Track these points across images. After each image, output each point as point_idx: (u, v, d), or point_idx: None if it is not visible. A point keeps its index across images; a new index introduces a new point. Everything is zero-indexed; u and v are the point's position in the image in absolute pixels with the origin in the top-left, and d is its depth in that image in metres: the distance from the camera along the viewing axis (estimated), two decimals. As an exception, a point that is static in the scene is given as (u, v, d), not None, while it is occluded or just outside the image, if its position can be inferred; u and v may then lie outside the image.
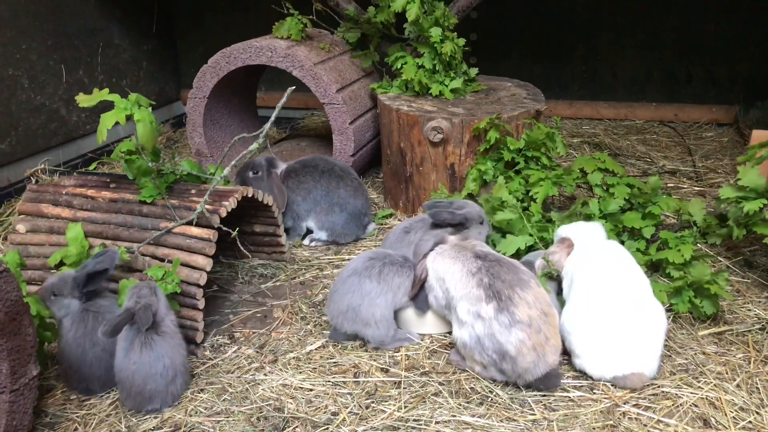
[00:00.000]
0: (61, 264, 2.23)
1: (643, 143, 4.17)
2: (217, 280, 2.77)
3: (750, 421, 1.84)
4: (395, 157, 3.21)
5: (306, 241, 3.06)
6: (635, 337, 2.01)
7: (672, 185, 3.55)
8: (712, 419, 1.87)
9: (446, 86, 3.26)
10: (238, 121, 3.88)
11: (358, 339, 2.27)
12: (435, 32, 3.17)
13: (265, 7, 3.74)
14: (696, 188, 3.51)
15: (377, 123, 3.57)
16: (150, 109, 2.25)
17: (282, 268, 2.85)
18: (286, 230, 3.02)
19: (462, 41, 3.28)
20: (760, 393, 1.95)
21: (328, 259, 2.92)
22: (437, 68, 3.26)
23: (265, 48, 3.29)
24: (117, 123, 2.16)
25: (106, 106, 2.26)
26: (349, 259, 2.88)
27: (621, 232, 2.75)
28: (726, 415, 1.87)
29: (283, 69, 3.30)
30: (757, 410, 1.88)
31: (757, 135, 3.32)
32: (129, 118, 2.17)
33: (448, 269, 2.09)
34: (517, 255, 2.56)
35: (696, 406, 1.92)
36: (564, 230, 2.35)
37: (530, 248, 2.60)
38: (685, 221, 2.90)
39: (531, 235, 2.61)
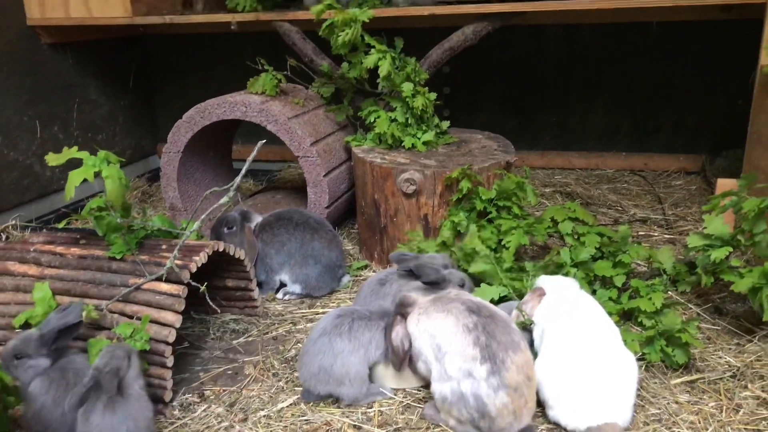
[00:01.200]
0: (26, 325, 2.19)
1: (614, 192, 4.24)
2: (188, 337, 2.73)
3: (724, 472, 1.83)
4: (369, 208, 3.23)
5: (279, 295, 3.04)
6: (608, 387, 2.00)
7: (643, 233, 3.60)
8: (687, 471, 1.85)
9: (418, 139, 3.32)
10: (213, 175, 3.89)
11: (332, 398, 2.24)
12: (406, 87, 3.24)
13: (242, 63, 3.81)
14: (666, 236, 3.56)
15: (352, 175, 3.60)
16: (119, 165, 2.25)
17: (254, 323, 2.82)
18: (260, 284, 3.00)
19: (433, 95, 3.35)
20: (732, 443, 1.94)
21: (302, 313, 2.90)
22: (409, 122, 3.32)
23: (239, 103, 3.33)
24: (86, 180, 2.15)
25: (78, 162, 2.27)
26: (323, 313, 2.87)
27: (593, 281, 2.77)
28: (700, 466, 1.86)
29: (258, 123, 3.33)
30: (731, 460, 1.87)
31: (722, 183, 3.39)
32: (98, 174, 2.17)
33: (440, 324, 2.06)
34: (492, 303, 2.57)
35: (670, 457, 1.91)
36: (541, 281, 2.37)
37: (503, 298, 2.60)
38: (655, 269, 2.95)
39: (504, 285, 2.62)
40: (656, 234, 3.59)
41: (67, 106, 4.48)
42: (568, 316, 2.14)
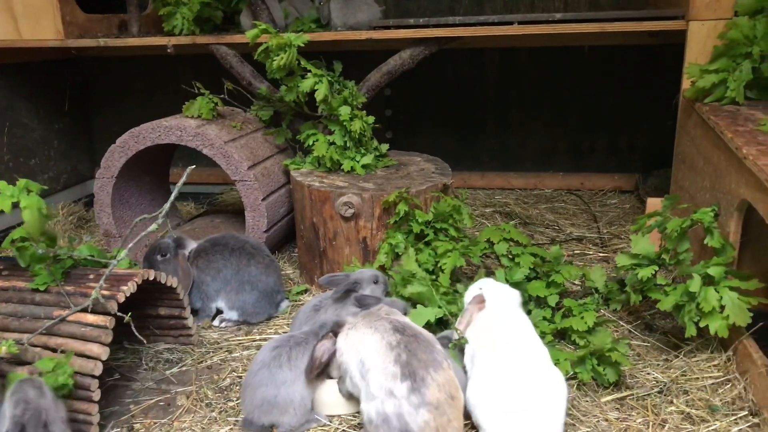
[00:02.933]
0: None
1: (552, 211, 4.33)
2: (119, 368, 2.65)
3: (649, 489, 1.87)
4: (308, 232, 3.22)
5: (216, 322, 2.98)
6: (538, 409, 2.02)
7: (578, 252, 3.68)
8: (614, 488, 1.88)
9: (357, 162, 3.33)
10: (150, 200, 3.81)
11: (272, 427, 2.20)
12: (344, 111, 3.25)
13: (180, 86, 3.76)
14: (601, 254, 3.65)
15: (292, 198, 3.58)
16: (38, 194, 2.18)
17: (189, 351, 2.76)
18: (196, 311, 2.95)
19: (371, 119, 3.38)
20: (658, 459, 1.99)
21: (238, 340, 2.85)
22: (348, 145, 3.33)
23: (174, 127, 3.28)
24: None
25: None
26: (261, 340, 2.83)
27: (527, 301, 2.82)
28: (627, 483, 1.90)
29: (194, 148, 3.29)
30: (656, 477, 1.92)
31: (652, 203, 3.51)
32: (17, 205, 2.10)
33: (365, 339, 2.06)
34: (428, 327, 2.58)
35: (599, 476, 1.94)
36: (480, 283, 2.40)
37: (439, 320, 2.62)
38: (588, 288, 3.02)
39: (440, 306, 2.64)
40: (591, 252, 3.68)
41: (-3, 130, 4.34)
42: (495, 338, 2.16)
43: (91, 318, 2.19)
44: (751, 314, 2.28)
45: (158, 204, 3.90)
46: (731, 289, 2.31)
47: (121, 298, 2.24)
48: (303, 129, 3.48)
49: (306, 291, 3.28)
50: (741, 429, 2.08)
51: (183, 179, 2.32)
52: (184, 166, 4.87)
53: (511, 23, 3.44)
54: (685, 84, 3.15)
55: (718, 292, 2.31)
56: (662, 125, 4.43)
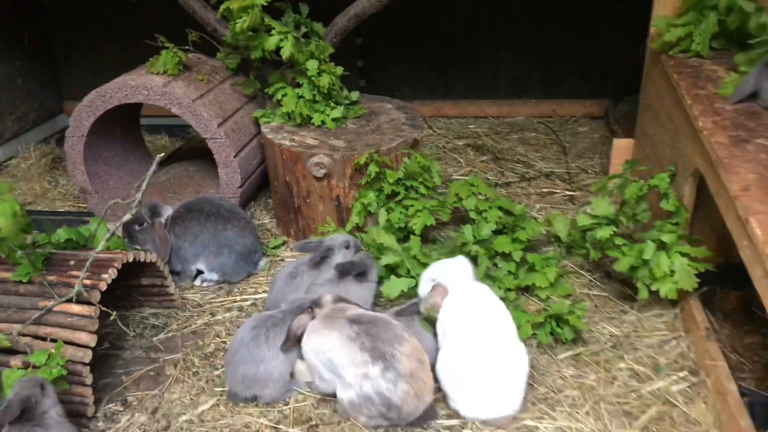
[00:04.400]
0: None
1: (523, 143, 4.40)
2: (108, 336, 2.79)
3: (595, 449, 2.11)
4: (282, 188, 3.28)
5: (197, 282, 3.11)
6: (503, 382, 2.21)
7: (547, 190, 3.80)
8: (565, 450, 2.12)
9: (328, 116, 3.33)
10: (122, 152, 3.82)
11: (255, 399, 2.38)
12: (311, 65, 3.22)
13: (144, 13, 3.64)
14: (568, 192, 3.77)
15: (263, 148, 3.60)
16: (12, 194, 2.21)
17: (174, 316, 2.90)
18: (176, 273, 3.06)
19: (340, 70, 3.34)
20: (604, 419, 2.21)
21: (220, 301, 2.99)
22: (317, 98, 3.32)
23: (141, 86, 3.24)
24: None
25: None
26: (242, 300, 2.98)
27: (494, 256, 2.96)
28: (576, 444, 2.13)
29: (162, 107, 3.27)
30: (601, 437, 2.15)
31: (618, 144, 3.60)
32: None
33: (326, 341, 2.21)
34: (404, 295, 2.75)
35: (552, 437, 2.16)
36: (432, 273, 2.51)
37: (412, 288, 2.75)
38: (553, 236, 3.16)
39: (413, 277, 2.77)
40: (559, 190, 3.80)
41: (-43, 76, 4.24)
42: (463, 314, 2.31)
43: (76, 308, 2.30)
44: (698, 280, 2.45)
45: (132, 155, 3.92)
46: (682, 254, 2.45)
47: (103, 287, 2.34)
48: (272, 80, 3.44)
49: (284, 243, 3.40)
50: (680, 388, 2.30)
51: (152, 169, 2.35)
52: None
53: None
54: (653, 35, 3.13)
55: (669, 258, 2.45)
56: (631, 50, 4.42)
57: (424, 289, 2.48)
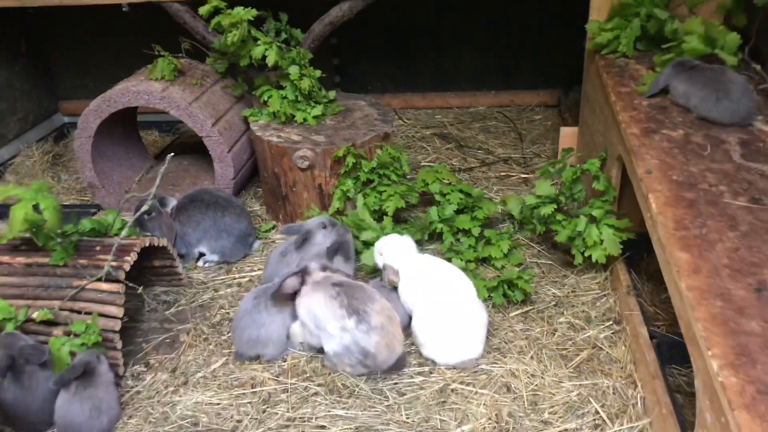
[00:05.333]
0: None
1: (484, 131, 4.89)
2: (127, 311, 3.22)
3: (536, 384, 2.62)
4: (271, 179, 3.73)
5: (200, 263, 3.56)
6: (467, 331, 2.71)
7: (504, 173, 4.30)
8: (512, 385, 2.62)
9: (309, 114, 3.78)
10: (124, 149, 4.23)
11: (258, 357, 2.86)
12: (293, 70, 3.66)
13: (135, 21, 4.03)
14: (523, 175, 4.27)
15: (252, 143, 4.04)
16: (51, 192, 2.64)
17: (182, 293, 3.35)
18: (182, 256, 3.51)
19: (318, 73, 3.79)
20: (545, 362, 2.72)
21: (221, 279, 3.45)
22: (299, 99, 3.76)
23: (142, 92, 3.65)
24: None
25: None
26: (240, 278, 3.44)
27: (456, 232, 3.46)
28: (521, 381, 2.63)
29: (161, 109, 3.69)
30: (542, 375, 2.65)
31: (565, 132, 4.10)
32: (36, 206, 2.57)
33: (314, 301, 2.69)
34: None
35: (503, 377, 2.67)
36: (381, 247, 3.01)
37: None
38: (507, 214, 3.67)
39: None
40: (514, 174, 4.30)
41: (-38, 82, 4.58)
42: (428, 280, 2.81)
43: (105, 286, 2.74)
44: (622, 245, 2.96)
45: (132, 151, 4.33)
46: (609, 226, 2.96)
47: (127, 267, 2.79)
48: (257, 84, 3.87)
49: (273, 227, 3.85)
50: (606, 335, 2.83)
51: (163, 168, 2.78)
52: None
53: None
54: (589, 36, 3.62)
55: (598, 230, 2.97)
56: (580, 46, 4.91)
57: (376, 258, 3.03)
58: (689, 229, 2.17)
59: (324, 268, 2.80)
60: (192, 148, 4.67)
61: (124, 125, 4.22)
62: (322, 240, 3.20)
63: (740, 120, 2.74)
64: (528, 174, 4.28)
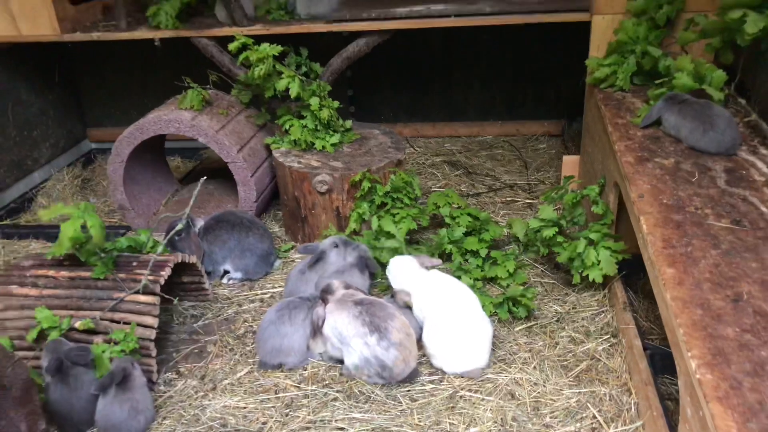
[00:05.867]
0: (39, 338, 2.88)
1: (491, 158, 5.15)
2: (158, 323, 3.47)
3: (538, 392, 2.83)
4: (291, 202, 3.99)
5: (224, 280, 3.81)
6: (474, 343, 2.94)
7: (510, 199, 4.55)
8: (516, 393, 2.84)
9: (327, 141, 4.05)
10: (151, 174, 4.51)
11: (280, 366, 3.08)
12: (314, 102, 3.94)
13: (160, 52, 4.35)
14: (528, 200, 4.52)
15: (273, 169, 4.31)
16: (95, 211, 2.90)
17: (208, 307, 3.59)
18: (208, 273, 3.76)
19: (336, 104, 4.07)
20: (546, 372, 2.94)
21: (245, 295, 3.69)
22: (318, 128, 4.04)
23: (173, 120, 3.95)
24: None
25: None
26: (262, 294, 3.68)
27: (465, 253, 3.70)
28: (525, 389, 2.85)
29: (190, 137, 3.97)
30: (544, 384, 2.87)
31: (567, 161, 4.35)
32: (83, 225, 2.83)
33: (338, 319, 2.91)
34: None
35: (507, 385, 2.88)
36: (389, 273, 3.27)
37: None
38: (513, 237, 3.90)
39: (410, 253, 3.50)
40: (520, 199, 4.55)
41: (1, 110, 4.88)
42: (436, 296, 3.04)
43: (142, 298, 2.99)
44: (618, 265, 3.19)
45: (159, 175, 4.62)
46: (606, 248, 3.20)
47: (162, 281, 3.04)
48: (280, 113, 4.16)
49: (293, 248, 4.10)
50: (604, 348, 3.04)
51: (197, 190, 3.05)
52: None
53: (449, 16, 4.09)
54: (589, 72, 3.89)
55: (596, 251, 3.20)
56: (581, 80, 5.19)
57: (389, 279, 3.31)
58: (676, 247, 2.41)
59: (347, 286, 3.04)
60: (213, 173, 4.95)
61: (152, 151, 4.51)
62: (336, 259, 3.45)
63: (725, 150, 2.98)
64: (532, 199, 4.52)
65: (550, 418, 2.69)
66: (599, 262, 3.20)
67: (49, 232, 4.44)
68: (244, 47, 3.76)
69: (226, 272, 3.81)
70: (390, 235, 3.64)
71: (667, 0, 3.67)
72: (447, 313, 2.98)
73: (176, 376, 3.11)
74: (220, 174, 4.78)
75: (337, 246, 3.49)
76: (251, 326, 3.42)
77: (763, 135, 3.14)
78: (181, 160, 5.71)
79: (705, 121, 3.02)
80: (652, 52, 3.52)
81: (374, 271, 3.45)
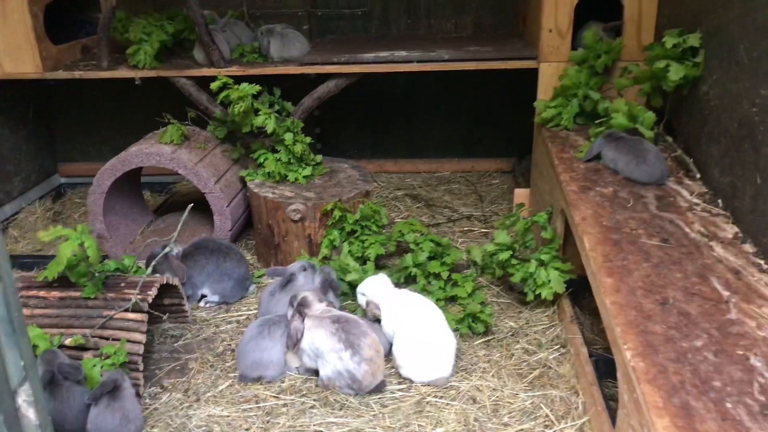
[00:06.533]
0: (33, 352, 3.05)
1: (449, 193, 5.53)
2: (139, 344, 3.66)
3: (497, 396, 3.13)
4: (265, 230, 4.26)
5: (202, 303, 4.02)
6: (439, 354, 3.23)
7: (467, 228, 4.91)
8: (477, 398, 3.13)
9: (300, 174, 4.36)
10: (129, 204, 4.72)
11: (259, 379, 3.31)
12: (288, 137, 4.26)
13: (136, 89, 4.63)
14: (483, 230, 4.89)
15: (247, 199, 4.58)
16: (90, 233, 3.13)
17: (187, 328, 3.80)
18: (187, 297, 3.97)
19: (308, 139, 4.40)
20: (504, 379, 3.25)
21: (222, 317, 3.91)
22: (291, 161, 4.35)
23: (154, 153, 4.20)
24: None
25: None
26: (238, 316, 3.91)
27: (428, 276, 4.01)
28: (485, 394, 3.15)
29: (170, 169, 4.22)
30: (501, 389, 3.17)
31: (518, 193, 4.75)
32: (81, 244, 3.05)
33: (316, 334, 3.17)
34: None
35: (469, 391, 3.18)
36: (363, 288, 3.54)
37: (367, 297, 3.77)
38: (471, 261, 4.25)
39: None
40: (476, 228, 4.92)
41: (-24, 145, 5.04)
42: (405, 311, 3.34)
43: (131, 316, 3.20)
44: (565, 284, 3.56)
45: (135, 205, 4.83)
46: (555, 269, 3.56)
47: (150, 300, 3.25)
48: (255, 148, 4.45)
49: (264, 274, 4.35)
50: (554, 356, 3.38)
51: (183, 216, 3.30)
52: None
53: (411, 62, 4.50)
54: (537, 114, 4.33)
55: (546, 272, 3.56)
56: (530, 120, 5.66)
57: (359, 299, 3.56)
58: (614, 261, 2.78)
59: (320, 299, 3.31)
60: (183, 206, 5.17)
61: (130, 183, 4.73)
62: (304, 281, 3.72)
63: (656, 180, 3.41)
64: (487, 229, 4.90)
65: (508, 418, 3.00)
66: (549, 281, 3.56)
67: (24, 262, 4.58)
68: (224, 86, 4.07)
69: (203, 296, 4.03)
70: (359, 260, 3.94)
71: (605, 50, 4.16)
72: (415, 326, 3.28)
73: (160, 390, 3.30)
74: (195, 213, 5.00)
75: (305, 269, 3.76)
76: (229, 345, 3.64)
77: (687, 168, 3.59)
78: (150, 194, 5.90)
79: (638, 156, 3.46)
80: (592, 95, 3.98)
81: (338, 290, 3.73)
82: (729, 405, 2.01)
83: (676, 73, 3.49)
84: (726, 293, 2.56)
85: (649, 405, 2.03)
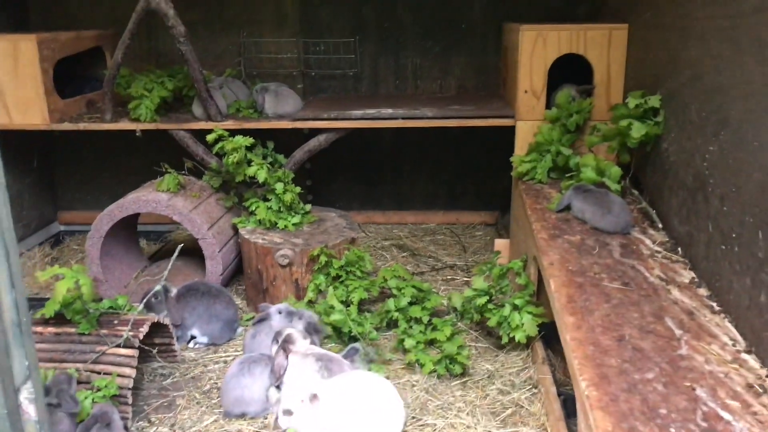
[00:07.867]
0: (27, 384, 3.19)
1: (434, 243, 5.75)
2: (129, 381, 3.80)
3: (471, 434, 3.28)
4: (254, 275, 4.45)
5: (191, 344, 4.17)
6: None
7: (450, 277, 5.11)
8: (452, 435, 3.27)
9: (289, 221, 4.58)
10: (125, 249, 4.92)
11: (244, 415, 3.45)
12: (278, 186, 4.50)
13: (136, 140, 4.89)
14: (465, 279, 5.09)
15: (238, 246, 4.79)
16: (85, 272, 3.32)
17: (176, 367, 3.94)
18: (177, 337, 4.12)
19: (298, 189, 4.65)
20: (478, 417, 3.39)
21: (210, 357, 4.06)
22: (282, 209, 4.59)
23: (151, 200, 4.43)
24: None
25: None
26: (226, 356, 4.06)
27: (409, 320, 4.19)
28: (459, 431, 3.29)
29: (166, 216, 4.45)
30: (475, 427, 3.32)
31: (498, 243, 4.98)
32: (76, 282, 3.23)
33: (301, 372, 3.34)
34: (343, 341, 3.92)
35: (445, 428, 3.32)
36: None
37: (350, 336, 3.93)
38: (451, 307, 4.43)
39: (351, 329, 3.95)
40: (459, 277, 5.11)
41: (-17, 191, 5.26)
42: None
43: (122, 351, 3.36)
44: (538, 327, 3.74)
45: (130, 250, 5.02)
46: (528, 313, 3.75)
47: (141, 336, 3.42)
48: (247, 197, 4.70)
49: (253, 317, 4.51)
50: (527, 396, 3.53)
51: (175, 255, 3.50)
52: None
53: (397, 119, 4.79)
54: (515, 168, 4.60)
55: (520, 315, 3.75)
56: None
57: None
58: (576, 302, 2.98)
59: (304, 336, 3.48)
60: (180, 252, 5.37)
61: (127, 229, 4.94)
62: (278, 323, 3.88)
63: (620, 229, 3.65)
64: (469, 278, 5.09)
65: (481, 453, 3.13)
66: (523, 324, 3.74)
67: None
68: (220, 138, 4.34)
69: (193, 337, 4.19)
70: (343, 304, 4.12)
71: (576, 110, 4.46)
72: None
73: (147, 425, 3.43)
74: (185, 252, 5.20)
75: (280, 312, 3.93)
76: (216, 383, 3.78)
77: (651, 219, 3.83)
78: (146, 242, 6.11)
79: (604, 207, 3.70)
80: (564, 151, 4.25)
81: (321, 334, 3.90)
82: (673, 430, 2.18)
83: (638, 130, 3.78)
84: (679, 331, 2.75)
85: (599, 430, 2.20)
